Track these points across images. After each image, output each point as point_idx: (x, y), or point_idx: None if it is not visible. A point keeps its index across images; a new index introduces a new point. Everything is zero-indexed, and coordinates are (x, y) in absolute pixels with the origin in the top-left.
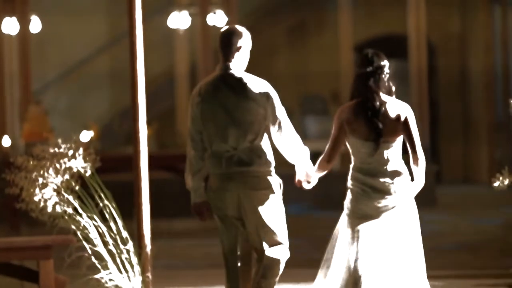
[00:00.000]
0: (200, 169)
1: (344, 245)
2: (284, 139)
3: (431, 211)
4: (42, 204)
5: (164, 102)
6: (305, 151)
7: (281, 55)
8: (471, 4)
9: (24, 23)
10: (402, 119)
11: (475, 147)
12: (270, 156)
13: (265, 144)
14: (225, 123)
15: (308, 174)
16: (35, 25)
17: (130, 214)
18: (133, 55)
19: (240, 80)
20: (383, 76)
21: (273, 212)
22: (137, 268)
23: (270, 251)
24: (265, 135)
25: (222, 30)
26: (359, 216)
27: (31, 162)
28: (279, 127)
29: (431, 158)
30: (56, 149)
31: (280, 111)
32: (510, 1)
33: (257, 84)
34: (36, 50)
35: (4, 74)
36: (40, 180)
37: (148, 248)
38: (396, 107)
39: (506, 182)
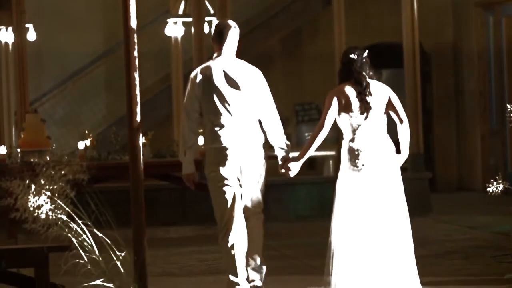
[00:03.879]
0: (194, 143)
1: (342, 215)
2: (270, 119)
3: (426, 218)
4: (36, 212)
5: (160, 111)
6: (285, 137)
7: (276, 64)
8: (464, 13)
9: (20, 33)
10: (386, 97)
11: (470, 154)
12: (260, 131)
13: (257, 120)
14: (224, 101)
15: (291, 162)
16: (32, 35)
17: (126, 222)
18: (129, 64)
19: (235, 64)
20: (364, 61)
21: (263, 179)
22: (133, 276)
23: (257, 213)
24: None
25: (215, 24)
26: (351, 184)
27: (26, 171)
28: (268, 107)
29: (426, 166)
30: (52, 157)
31: (269, 93)
32: (503, 10)
33: (249, 68)
34: (33, 59)
35: (0, 83)
36: (34, 187)
37: (144, 255)
38: (379, 87)
39: (500, 187)
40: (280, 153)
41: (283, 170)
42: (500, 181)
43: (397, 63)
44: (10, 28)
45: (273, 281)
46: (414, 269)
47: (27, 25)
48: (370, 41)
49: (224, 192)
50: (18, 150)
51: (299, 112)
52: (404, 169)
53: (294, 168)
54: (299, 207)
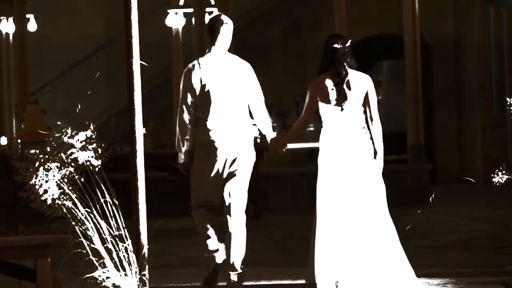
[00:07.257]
0: (190, 135)
1: (325, 199)
2: (259, 113)
3: (426, 209)
4: (43, 193)
5: (161, 102)
6: (271, 121)
7: (277, 55)
8: (465, 4)
9: (21, 23)
10: (364, 89)
11: (470, 146)
12: (251, 127)
13: (247, 116)
14: (213, 97)
15: (279, 142)
16: (32, 25)
17: (126, 213)
18: (129, 55)
19: (226, 59)
20: (347, 51)
21: (248, 176)
22: (134, 267)
23: (239, 211)
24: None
25: (209, 19)
26: (330, 172)
27: (37, 154)
28: (256, 98)
29: (426, 157)
30: (65, 139)
31: (258, 88)
32: (503, 1)
33: (239, 63)
34: (34, 50)
35: (1, 74)
36: (42, 171)
37: (145, 246)
38: (359, 78)
39: (505, 178)
40: (268, 135)
41: (272, 149)
42: (504, 172)
43: (398, 54)
44: (10, 19)
45: (273, 273)
46: (404, 260)
47: (28, 15)
48: (371, 32)
49: (203, 184)
50: (19, 141)
51: (300, 103)
52: (404, 160)
53: (282, 146)
54: (299, 198)
